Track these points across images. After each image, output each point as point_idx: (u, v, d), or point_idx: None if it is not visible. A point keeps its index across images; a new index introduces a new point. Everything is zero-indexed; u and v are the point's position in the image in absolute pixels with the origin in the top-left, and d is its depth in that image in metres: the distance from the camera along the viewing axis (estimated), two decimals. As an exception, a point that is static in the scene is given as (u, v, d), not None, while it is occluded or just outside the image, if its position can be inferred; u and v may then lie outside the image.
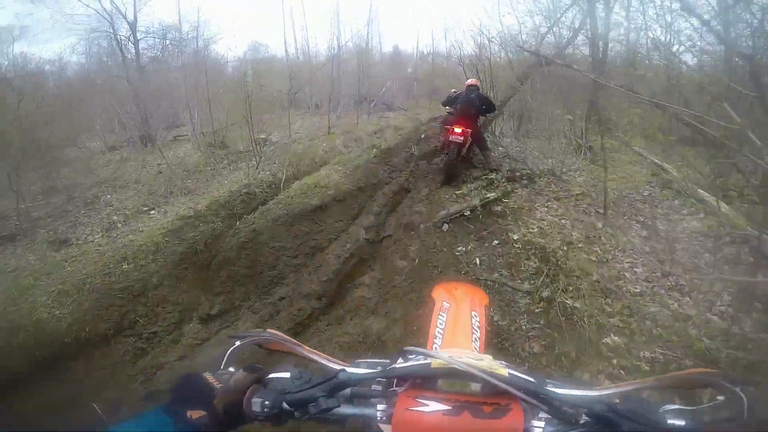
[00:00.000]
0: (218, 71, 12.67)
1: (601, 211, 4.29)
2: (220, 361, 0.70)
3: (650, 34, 5.37)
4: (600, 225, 3.86)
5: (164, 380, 3.13)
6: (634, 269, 3.38)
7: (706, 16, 3.13)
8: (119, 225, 5.35)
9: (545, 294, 3.00)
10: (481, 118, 6.42)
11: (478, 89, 5.87)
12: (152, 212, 5.72)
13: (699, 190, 4.37)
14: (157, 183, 6.71)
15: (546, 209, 4.19)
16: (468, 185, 4.97)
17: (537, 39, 7.11)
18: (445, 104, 5.96)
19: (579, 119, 6.30)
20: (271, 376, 0.67)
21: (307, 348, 0.73)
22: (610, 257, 3.51)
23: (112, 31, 10.24)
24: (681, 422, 0.54)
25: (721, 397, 0.57)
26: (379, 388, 0.67)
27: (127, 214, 5.61)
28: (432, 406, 0.58)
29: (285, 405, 0.61)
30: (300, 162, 6.77)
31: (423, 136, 10.88)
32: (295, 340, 0.74)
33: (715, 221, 4.00)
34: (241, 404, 0.62)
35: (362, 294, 3.46)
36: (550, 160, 6.24)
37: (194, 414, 0.58)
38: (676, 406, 0.58)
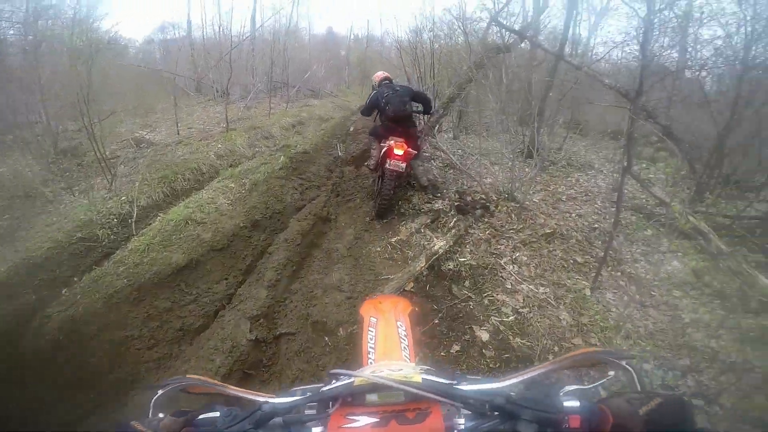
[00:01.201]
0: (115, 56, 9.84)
1: (579, 259, 3.20)
2: (147, 410, 0.69)
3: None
4: (588, 293, 2.73)
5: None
6: (644, 366, 2.30)
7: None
8: None
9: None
10: (420, 122, 5.08)
11: (392, 82, 4.35)
12: None
13: (692, 219, 3.48)
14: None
15: (516, 267, 2.97)
16: (407, 223, 3.61)
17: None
18: (365, 113, 4.29)
19: (530, 118, 5.28)
20: (200, 417, 0.67)
21: (231, 387, 0.74)
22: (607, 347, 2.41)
23: None
24: (576, 403, 0.57)
25: (612, 373, 0.66)
26: (314, 412, 0.69)
27: None
28: (362, 421, 0.61)
29: None
30: (176, 177, 4.86)
31: (351, 129, 9.34)
32: (217, 381, 0.73)
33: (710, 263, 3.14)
34: None
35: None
36: (499, 172, 5.16)
37: None
38: (575, 387, 0.63)
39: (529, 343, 2.26)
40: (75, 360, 2.56)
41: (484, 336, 2.32)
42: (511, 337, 2.31)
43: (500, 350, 2.24)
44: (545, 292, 2.69)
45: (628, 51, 5.59)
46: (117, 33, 12.10)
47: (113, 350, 2.66)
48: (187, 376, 0.73)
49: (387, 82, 4.22)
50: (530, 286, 2.74)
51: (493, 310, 2.54)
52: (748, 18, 3.96)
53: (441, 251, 3.05)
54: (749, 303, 2.64)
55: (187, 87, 12.33)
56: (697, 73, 4.97)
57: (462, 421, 0.61)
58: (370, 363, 1.04)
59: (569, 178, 5.48)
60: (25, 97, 6.22)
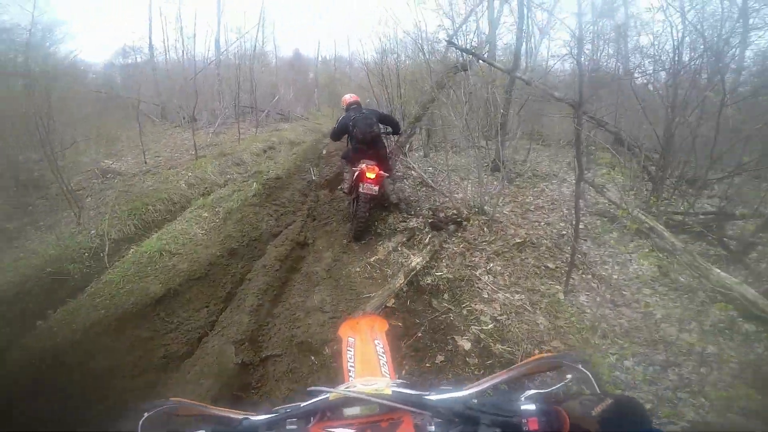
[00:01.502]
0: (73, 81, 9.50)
1: (551, 265, 3.39)
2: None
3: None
4: (562, 296, 2.90)
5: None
6: (624, 363, 2.44)
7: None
8: None
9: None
10: (390, 142, 5.25)
11: (361, 105, 4.54)
12: None
13: (640, 214, 3.76)
14: None
15: (490, 277, 3.12)
16: (384, 243, 3.70)
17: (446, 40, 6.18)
18: (335, 137, 4.40)
19: (493, 133, 5.56)
20: None
21: (213, 407, 0.77)
22: (592, 351, 2.53)
23: None
24: (532, 406, 0.60)
25: (569, 376, 0.69)
26: (295, 427, 0.70)
27: None
28: None
29: None
30: (146, 208, 4.76)
31: (324, 152, 9.45)
32: (200, 403, 0.77)
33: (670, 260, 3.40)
34: None
35: None
36: (468, 186, 5.37)
37: None
38: (534, 391, 0.66)
39: (510, 349, 2.37)
40: (56, 389, 2.47)
41: (467, 345, 2.41)
42: (492, 344, 2.41)
43: (483, 357, 2.34)
44: (521, 299, 2.83)
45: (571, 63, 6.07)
46: (75, 57, 11.77)
47: (98, 379, 2.58)
48: (171, 399, 0.76)
49: (355, 105, 4.37)
50: (506, 294, 2.88)
51: (472, 319, 2.64)
52: (677, 26, 4.40)
53: (418, 267, 3.15)
54: (715, 295, 2.84)
55: (152, 113, 12.12)
56: (638, 79, 5.41)
57: (433, 428, 0.65)
58: (351, 381, 1.06)
59: (535, 188, 5.75)
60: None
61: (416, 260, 3.22)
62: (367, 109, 4.26)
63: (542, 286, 3.00)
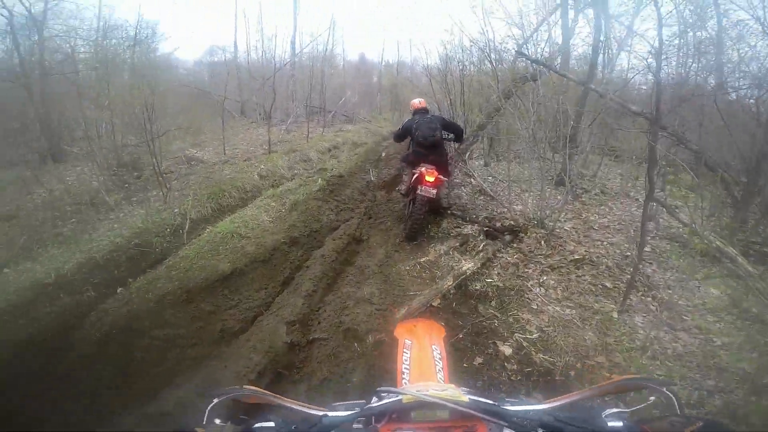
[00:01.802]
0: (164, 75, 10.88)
1: (608, 284, 3.22)
2: (202, 416, 0.71)
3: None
4: (616, 315, 2.76)
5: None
6: (670, 387, 2.29)
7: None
8: (-50, 292, 3.66)
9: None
10: (450, 149, 5.29)
11: (428, 111, 4.62)
12: (5, 271, 4.05)
13: (716, 241, 3.42)
14: (28, 223, 5.00)
15: (542, 289, 3.05)
16: (436, 246, 3.76)
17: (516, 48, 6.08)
18: (398, 138, 4.58)
19: (561, 146, 5.36)
20: (256, 426, 0.71)
21: (286, 399, 0.77)
22: (636, 371, 2.42)
23: (10, 29, 8.18)
24: (619, 423, 0.61)
25: (652, 398, 0.68)
26: (360, 426, 0.71)
27: (-38, 275, 3.93)
28: None
29: None
30: (223, 194, 5.27)
31: (383, 155, 9.67)
32: (272, 393, 0.77)
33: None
34: None
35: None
36: (529, 199, 5.23)
37: None
38: (616, 409, 0.66)
39: (551, 359, 2.33)
40: (122, 353, 2.82)
41: (507, 351, 2.41)
42: (533, 353, 2.38)
43: (522, 364, 2.32)
44: (571, 314, 2.74)
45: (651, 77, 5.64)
46: (173, 55, 13.27)
47: (159, 346, 2.91)
48: (244, 386, 0.78)
49: (422, 110, 4.48)
50: (556, 308, 2.81)
51: (517, 327, 2.62)
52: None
53: (469, 272, 3.17)
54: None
55: (233, 110, 13.24)
56: (727, 95, 4.90)
57: None
58: (405, 383, 1.08)
59: (602, 206, 5.45)
60: (95, 112, 6.98)
61: (467, 265, 3.24)
62: (432, 115, 4.36)
63: (596, 304, 2.88)
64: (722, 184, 4.22)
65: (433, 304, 2.86)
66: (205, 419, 0.71)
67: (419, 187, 3.75)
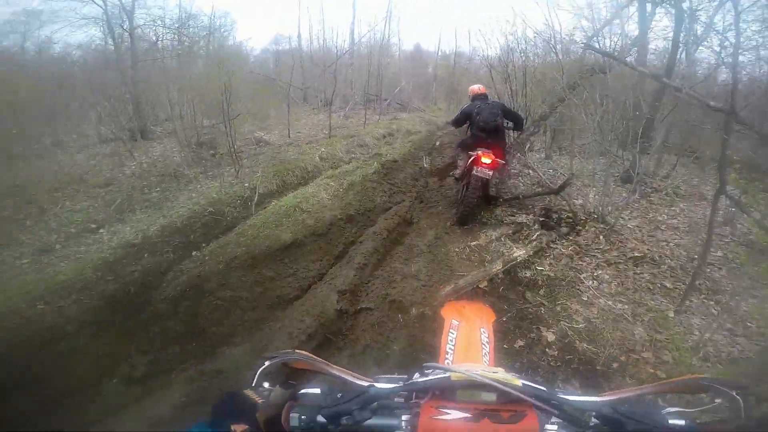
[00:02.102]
0: (237, 63, 11.80)
1: (668, 284, 3.07)
2: (252, 379, 0.73)
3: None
4: (672, 314, 2.65)
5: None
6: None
7: None
8: (57, 246, 4.36)
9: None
10: (509, 137, 5.21)
11: (488, 97, 4.56)
12: (101, 231, 4.72)
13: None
14: (121, 190, 5.74)
15: (595, 282, 2.99)
16: (488, 231, 3.78)
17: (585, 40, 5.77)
18: (456, 123, 4.55)
19: (631, 142, 5.06)
20: (302, 391, 0.72)
21: (334, 366, 0.77)
22: (685, 370, 2.33)
23: (105, 18, 9.29)
24: (681, 422, 0.60)
25: (718, 400, 0.64)
26: (401, 400, 0.73)
27: (70, 232, 4.63)
28: (454, 415, 0.64)
29: (319, 418, 0.66)
30: (287, 172, 5.66)
31: (437, 143, 9.65)
32: (321, 359, 0.77)
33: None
34: (279, 418, 0.67)
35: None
36: (591, 193, 5.01)
37: (238, 428, 0.61)
38: (677, 408, 0.63)
39: (594, 349, 2.32)
40: (190, 310, 3.20)
41: (550, 337, 2.43)
42: (577, 342, 2.38)
43: (564, 352, 2.34)
44: (623, 308, 2.68)
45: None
46: (245, 43, 14.14)
47: (223, 307, 3.26)
48: (296, 351, 0.77)
49: (482, 96, 4.46)
50: (608, 302, 2.75)
51: (563, 316, 2.62)
52: None
53: (519, 259, 3.18)
54: None
55: (296, 96, 13.87)
56: None
57: (554, 428, 0.64)
58: (447, 363, 1.06)
59: (673, 207, 5.10)
60: (178, 96, 7.74)
61: (519, 252, 3.25)
62: (493, 101, 4.34)
63: (651, 302, 2.78)
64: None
65: (480, 285, 2.93)
66: (254, 381, 0.73)
67: (475, 168, 3.74)
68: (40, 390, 2.60)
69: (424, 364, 0.73)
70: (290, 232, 3.93)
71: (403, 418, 0.69)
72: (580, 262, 3.28)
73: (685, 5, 4.82)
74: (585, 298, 2.80)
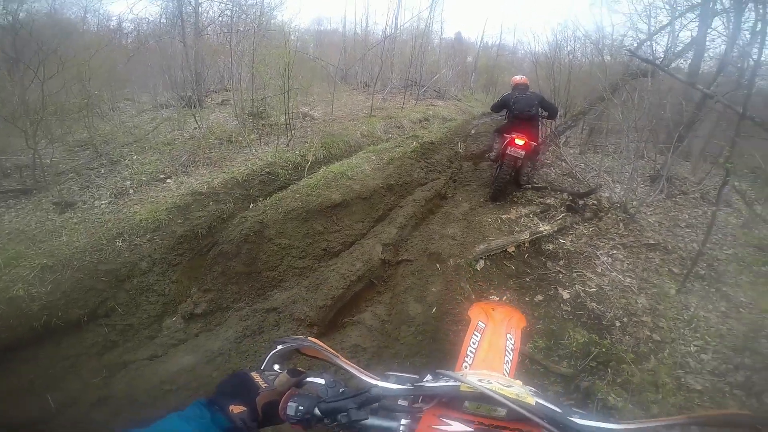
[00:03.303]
0: (280, 40, 12.35)
1: (676, 270, 3.40)
2: (262, 361, 0.75)
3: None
4: (673, 292, 3.01)
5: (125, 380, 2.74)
6: (701, 355, 2.57)
7: None
8: (131, 191, 5.02)
9: (585, 384, 2.27)
10: (545, 129, 5.52)
11: (528, 88, 4.91)
12: (168, 181, 5.36)
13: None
14: (184, 148, 6.39)
15: (609, 259, 3.36)
16: (518, 208, 4.18)
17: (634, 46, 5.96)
18: (495, 109, 4.95)
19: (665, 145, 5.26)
20: (308, 379, 0.73)
21: (344, 359, 0.76)
22: (676, 336, 2.70)
23: None
24: None
25: None
26: (404, 403, 0.70)
27: (142, 180, 5.28)
28: (455, 427, 0.61)
29: (316, 411, 0.66)
30: (333, 144, 6.17)
31: (473, 132, 9.93)
32: (332, 350, 0.76)
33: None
34: (278, 405, 0.68)
35: (358, 339, 2.73)
36: (618, 188, 5.29)
37: (235, 408, 0.62)
38: None
39: (602, 309, 2.72)
40: (250, 254, 3.74)
41: (566, 295, 2.85)
42: (588, 301, 2.80)
43: (576, 308, 2.77)
44: (631, 282, 3.06)
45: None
46: (290, 21, 14.63)
47: (276, 252, 3.80)
48: (308, 338, 0.78)
49: (523, 86, 4.80)
50: (618, 276, 3.13)
51: (579, 281, 3.03)
52: None
53: (545, 233, 3.58)
54: None
55: (337, 76, 14.32)
56: None
57: None
58: (465, 367, 1.02)
59: (696, 209, 5.31)
60: (235, 68, 8.33)
61: (545, 227, 3.64)
62: (532, 92, 4.67)
63: (657, 281, 3.14)
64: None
65: (508, 249, 3.36)
66: (264, 364, 0.75)
67: (509, 148, 4.07)
68: (112, 322, 3.14)
69: (437, 370, 0.71)
70: (339, 193, 4.43)
71: (403, 422, 0.67)
72: (599, 242, 3.65)
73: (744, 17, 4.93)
74: (599, 270, 3.19)
